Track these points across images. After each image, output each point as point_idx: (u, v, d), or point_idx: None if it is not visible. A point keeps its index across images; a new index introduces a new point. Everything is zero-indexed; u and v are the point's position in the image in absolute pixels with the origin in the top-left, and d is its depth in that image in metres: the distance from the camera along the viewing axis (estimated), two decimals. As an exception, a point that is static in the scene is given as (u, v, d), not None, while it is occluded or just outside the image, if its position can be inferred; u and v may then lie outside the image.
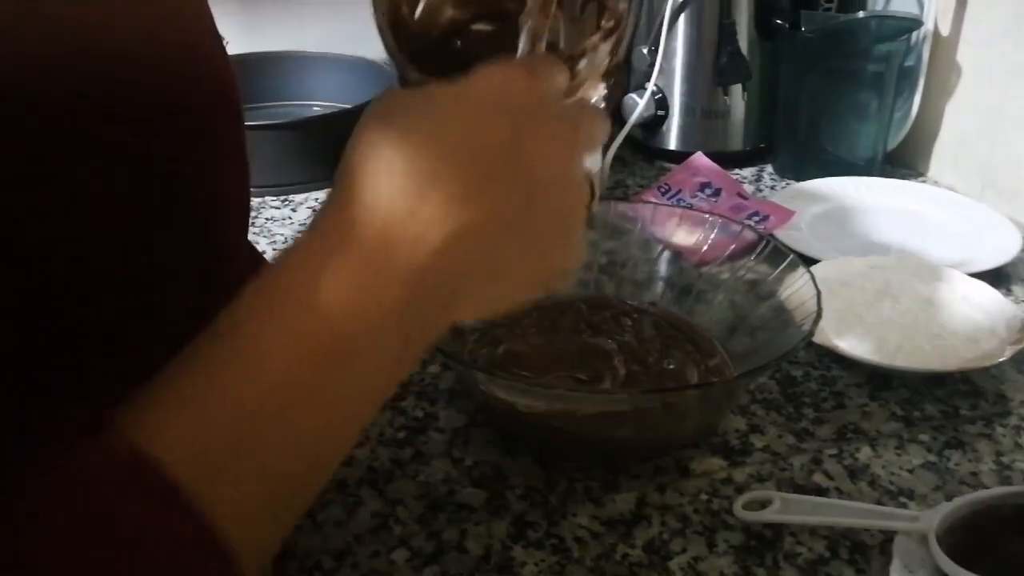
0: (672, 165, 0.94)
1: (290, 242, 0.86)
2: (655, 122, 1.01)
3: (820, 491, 0.53)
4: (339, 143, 0.33)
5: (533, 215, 0.34)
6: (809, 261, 0.69)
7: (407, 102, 0.34)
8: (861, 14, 0.96)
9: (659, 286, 0.69)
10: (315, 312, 0.30)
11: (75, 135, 0.32)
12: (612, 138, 0.93)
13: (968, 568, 0.43)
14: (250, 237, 0.84)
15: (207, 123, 0.39)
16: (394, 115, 0.33)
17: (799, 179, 0.94)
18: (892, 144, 0.98)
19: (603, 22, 0.39)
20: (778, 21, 0.96)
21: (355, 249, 0.31)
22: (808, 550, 0.49)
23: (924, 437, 0.58)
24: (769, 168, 1.01)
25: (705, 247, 0.68)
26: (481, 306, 0.36)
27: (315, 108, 1.06)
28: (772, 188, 0.94)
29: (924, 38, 0.94)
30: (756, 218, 0.83)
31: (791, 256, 0.62)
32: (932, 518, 0.46)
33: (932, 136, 0.98)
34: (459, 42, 0.41)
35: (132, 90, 0.34)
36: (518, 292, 0.37)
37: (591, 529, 0.51)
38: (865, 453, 0.56)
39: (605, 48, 0.39)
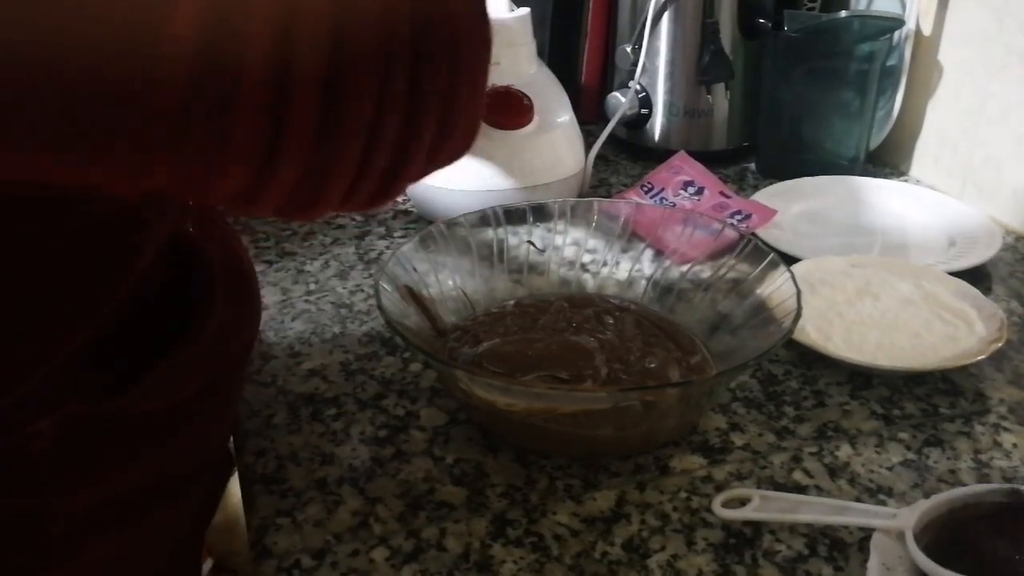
0: (655, 164, 0.94)
1: (271, 240, 0.85)
2: (638, 120, 1.01)
3: (800, 489, 0.54)
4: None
5: None
6: (791, 260, 0.70)
7: None
8: (844, 14, 0.96)
9: (641, 284, 0.69)
10: None
11: None
12: (596, 137, 0.93)
13: (945, 565, 0.43)
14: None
15: None
16: None
17: (782, 178, 0.94)
18: (874, 143, 0.99)
19: None
20: (761, 20, 0.97)
21: None
22: (787, 548, 0.49)
23: (903, 435, 0.58)
24: (752, 167, 1.01)
25: (687, 246, 0.68)
26: None
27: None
28: (755, 187, 0.94)
29: (906, 38, 0.94)
30: (738, 217, 0.83)
31: (771, 255, 0.62)
32: (910, 515, 0.47)
33: (914, 135, 0.98)
34: None
35: None
36: None
37: (571, 527, 0.51)
38: (845, 451, 0.57)
39: None
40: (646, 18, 0.95)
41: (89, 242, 0.39)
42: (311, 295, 0.74)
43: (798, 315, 0.55)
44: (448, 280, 0.66)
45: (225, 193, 0.29)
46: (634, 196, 0.88)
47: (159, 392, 0.45)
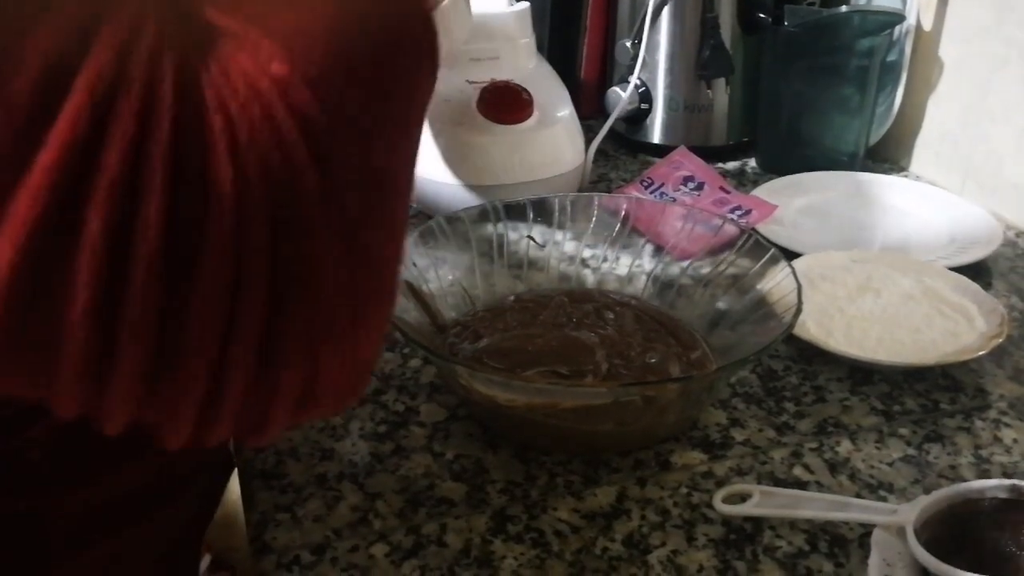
0: (655, 159, 0.94)
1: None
2: (638, 116, 1.01)
3: (800, 484, 0.53)
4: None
5: None
6: (791, 255, 0.69)
7: None
8: (844, 9, 0.96)
9: (641, 280, 0.69)
10: None
11: None
12: (596, 132, 0.93)
13: (946, 561, 0.43)
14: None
15: None
16: None
17: (782, 173, 0.94)
18: (874, 139, 0.99)
19: None
20: (761, 15, 0.96)
21: None
22: (787, 543, 0.49)
23: (904, 431, 0.58)
24: (752, 162, 1.01)
25: (687, 241, 0.68)
26: None
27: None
28: (755, 182, 0.94)
29: (906, 33, 0.94)
30: (738, 212, 0.83)
31: (772, 250, 0.62)
32: (910, 511, 0.47)
33: (914, 131, 0.98)
34: None
35: None
36: None
37: (571, 523, 0.50)
38: (845, 447, 0.57)
39: None
40: (646, 13, 0.95)
41: None
42: (310, 290, 0.74)
43: (798, 310, 0.55)
44: (448, 275, 0.66)
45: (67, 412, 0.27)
46: (634, 191, 0.88)
47: None
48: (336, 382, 0.30)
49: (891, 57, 0.95)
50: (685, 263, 0.67)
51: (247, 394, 0.28)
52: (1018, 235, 0.84)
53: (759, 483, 0.53)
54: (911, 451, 0.56)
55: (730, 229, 0.66)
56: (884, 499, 0.52)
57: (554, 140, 0.84)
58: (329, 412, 0.31)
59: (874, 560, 0.45)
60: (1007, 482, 0.48)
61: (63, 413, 0.27)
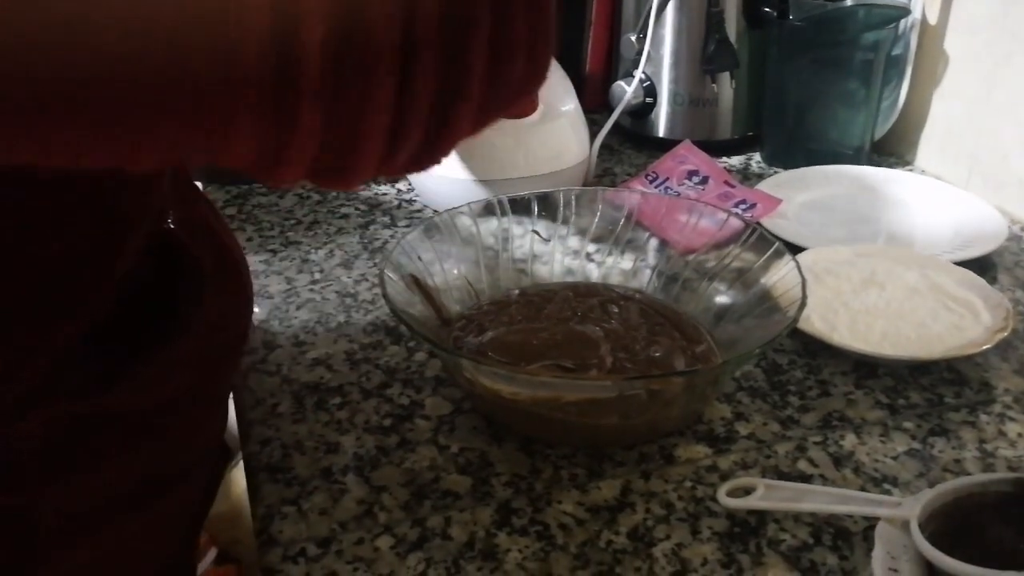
0: (660, 153, 0.94)
1: (275, 229, 0.85)
2: (643, 110, 1.00)
3: (804, 478, 0.54)
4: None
5: None
6: (796, 249, 0.70)
7: None
8: (849, 2, 0.96)
9: (646, 274, 0.69)
10: None
11: None
12: (600, 126, 0.93)
13: (950, 554, 0.43)
14: (237, 224, 0.84)
15: None
16: None
17: (787, 167, 0.94)
18: (880, 133, 0.99)
19: None
20: (766, 9, 0.96)
21: None
22: (791, 537, 0.49)
23: (908, 425, 0.58)
24: (757, 156, 1.01)
25: (692, 235, 0.68)
26: None
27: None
28: (760, 176, 0.94)
29: (912, 26, 0.94)
30: (743, 206, 0.83)
31: (776, 244, 0.62)
32: (915, 504, 0.47)
33: (919, 125, 0.98)
34: None
35: None
36: None
37: (576, 516, 0.51)
38: (850, 440, 0.57)
39: None
40: (651, 6, 0.95)
41: (67, 246, 0.38)
42: (316, 284, 0.74)
43: (803, 304, 0.55)
44: (453, 269, 0.66)
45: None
46: (639, 185, 0.88)
47: (148, 388, 0.45)
48: (520, 33, 0.28)
49: (896, 51, 0.94)
50: (690, 257, 0.67)
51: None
52: (1023, 229, 0.84)
53: (763, 477, 0.53)
54: (916, 445, 0.56)
55: (734, 223, 0.66)
56: (888, 493, 0.52)
57: (559, 134, 0.84)
58: (521, 79, 0.30)
59: (878, 553, 0.45)
60: (1011, 476, 0.48)
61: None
